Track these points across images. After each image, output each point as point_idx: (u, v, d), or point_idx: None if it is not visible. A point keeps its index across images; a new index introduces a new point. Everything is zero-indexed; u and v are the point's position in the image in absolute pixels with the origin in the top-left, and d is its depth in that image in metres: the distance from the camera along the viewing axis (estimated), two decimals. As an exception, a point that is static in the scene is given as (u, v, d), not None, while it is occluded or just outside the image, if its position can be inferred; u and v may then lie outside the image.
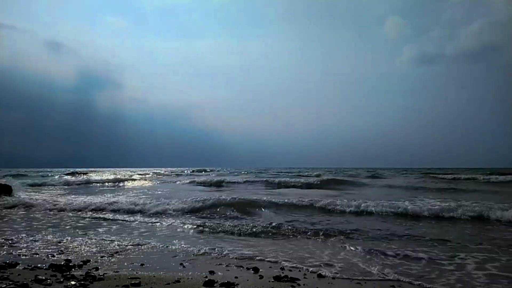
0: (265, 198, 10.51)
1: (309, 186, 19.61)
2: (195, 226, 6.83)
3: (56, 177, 31.81)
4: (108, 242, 5.33)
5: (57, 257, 4.37)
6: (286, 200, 10.15)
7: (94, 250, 4.80)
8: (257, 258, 4.45)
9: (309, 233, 6.05)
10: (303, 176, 29.42)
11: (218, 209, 8.95)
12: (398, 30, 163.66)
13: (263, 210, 9.10)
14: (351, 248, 4.96)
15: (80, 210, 9.20)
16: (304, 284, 3.45)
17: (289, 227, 6.52)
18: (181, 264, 4.13)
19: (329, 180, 22.23)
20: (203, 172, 45.73)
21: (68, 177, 30.76)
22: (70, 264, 4.00)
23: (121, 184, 23.15)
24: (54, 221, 7.61)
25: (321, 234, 5.93)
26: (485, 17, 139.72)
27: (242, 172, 42.10)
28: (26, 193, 14.68)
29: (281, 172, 44.46)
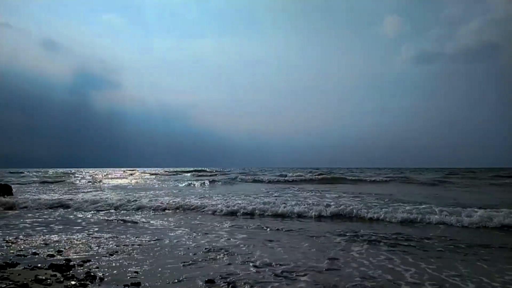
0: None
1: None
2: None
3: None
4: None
5: (57, 256, 4.35)
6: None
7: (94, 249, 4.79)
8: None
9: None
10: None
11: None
12: (396, 29, 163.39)
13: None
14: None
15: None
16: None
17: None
18: (183, 264, 4.11)
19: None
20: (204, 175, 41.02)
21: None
22: (70, 264, 3.98)
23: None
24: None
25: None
26: (484, 15, 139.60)
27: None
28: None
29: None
